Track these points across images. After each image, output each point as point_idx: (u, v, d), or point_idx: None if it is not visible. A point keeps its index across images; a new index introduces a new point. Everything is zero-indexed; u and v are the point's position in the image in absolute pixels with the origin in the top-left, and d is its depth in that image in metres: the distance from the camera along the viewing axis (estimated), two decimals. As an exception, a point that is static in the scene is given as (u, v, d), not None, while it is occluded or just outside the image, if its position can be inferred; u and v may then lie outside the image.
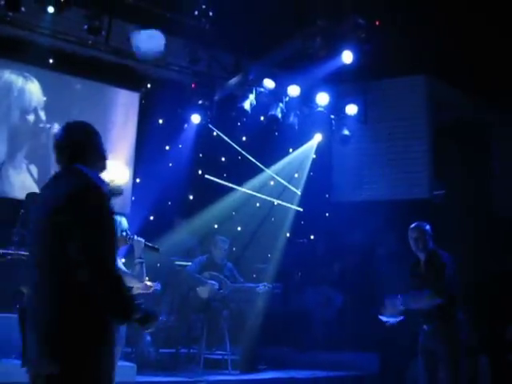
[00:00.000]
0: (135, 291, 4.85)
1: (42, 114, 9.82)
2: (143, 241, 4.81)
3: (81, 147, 3.12)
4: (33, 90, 9.74)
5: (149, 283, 4.97)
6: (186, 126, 10.47)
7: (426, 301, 5.31)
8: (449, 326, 5.30)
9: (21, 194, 8.85)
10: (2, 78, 9.48)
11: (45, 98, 9.81)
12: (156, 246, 5.03)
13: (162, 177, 9.81)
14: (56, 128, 9.80)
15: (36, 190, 9.15)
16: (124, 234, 4.81)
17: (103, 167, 3.22)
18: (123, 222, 4.87)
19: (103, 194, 3.01)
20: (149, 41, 7.98)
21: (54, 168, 9.33)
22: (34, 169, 9.68)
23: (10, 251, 7.69)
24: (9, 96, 9.55)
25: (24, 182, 9.47)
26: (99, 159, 3.20)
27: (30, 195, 8.57)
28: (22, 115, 9.65)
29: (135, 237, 4.80)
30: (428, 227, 5.68)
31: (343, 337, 9.76)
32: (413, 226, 5.70)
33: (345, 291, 10.62)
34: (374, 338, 9.60)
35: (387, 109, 10.87)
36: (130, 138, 10.53)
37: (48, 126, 9.82)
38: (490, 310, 9.73)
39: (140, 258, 4.73)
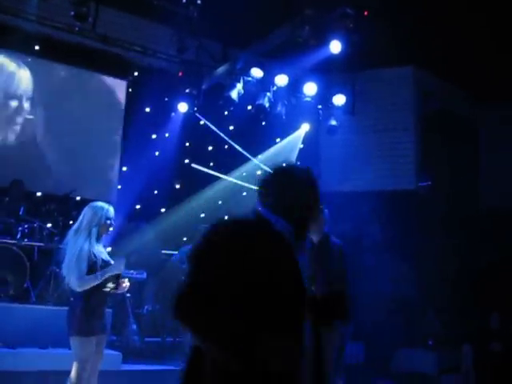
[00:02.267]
0: (110, 290, 4.86)
1: (26, 105, 9.71)
2: (121, 271, 4.78)
3: (286, 197, 2.54)
4: (23, 77, 9.65)
5: (124, 284, 4.93)
6: (173, 114, 10.42)
7: None
8: None
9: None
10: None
11: (32, 88, 9.71)
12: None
13: (149, 165, 9.77)
14: (39, 118, 9.72)
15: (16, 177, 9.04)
16: (108, 222, 4.81)
17: (304, 227, 2.57)
18: (111, 210, 4.87)
19: (264, 256, 2.30)
20: None
21: (32, 158, 9.17)
22: (9, 156, 9.55)
23: (-6, 239, 7.65)
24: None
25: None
26: (303, 219, 2.55)
27: (15, 183, 8.52)
28: (5, 100, 9.54)
29: (122, 260, 4.81)
30: (326, 211, 5.47)
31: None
32: None
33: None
34: (359, 328, 9.66)
35: (375, 100, 10.90)
36: (117, 126, 10.48)
37: (30, 117, 9.71)
38: (475, 300, 9.83)
39: (102, 275, 4.65)
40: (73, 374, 4.58)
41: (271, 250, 2.34)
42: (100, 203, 4.90)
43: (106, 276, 4.68)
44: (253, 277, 2.23)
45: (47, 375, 6.05)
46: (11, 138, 9.62)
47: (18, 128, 9.65)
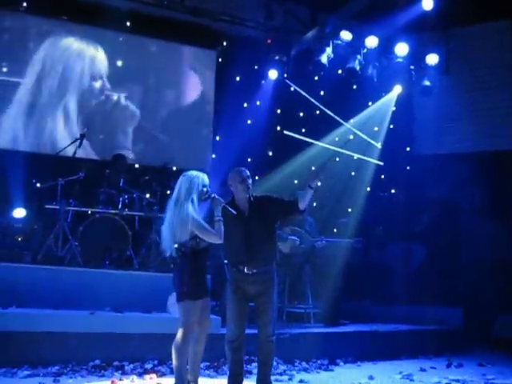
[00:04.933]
0: None
1: (107, 83, 10.08)
2: (222, 201, 4.92)
3: None
4: (101, 57, 10.02)
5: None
6: (263, 82, 10.47)
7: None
8: (272, 269, 5.29)
9: (94, 156, 9.41)
10: (74, 44, 9.83)
11: (113, 65, 10.09)
12: (232, 210, 5.13)
13: (241, 134, 9.89)
14: (133, 93, 10.03)
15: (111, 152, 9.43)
16: (205, 189, 4.91)
17: None
18: (205, 178, 4.97)
19: None
20: None
21: (117, 135, 9.69)
22: (100, 133, 10.02)
23: (98, 210, 8.01)
24: (81, 62, 9.88)
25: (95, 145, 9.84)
26: None
27: (116, 156, 8.90)
28: (91, 81, 9.95)
29: (216, 196, 4.90)
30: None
31: (426, 291, 9.68)
32: (236, 170, 5.30)
33: (428, 245, 10.48)
34: (457, 292, 9.48)
35: (470, 57, 10.46)
36: (209, 96, 10.65)
37: (114, 93, 10.08)
38: None
39: (218, 216, 4.83)
40: (179, 337, 4.73)
41: None
42: (194, 172, 5.00)
43: (219, 210, 4.91)
44: None
45: (151, 337, 6.33)
46: (106, 115, 10.04)
47: (110, 105, 10.07)
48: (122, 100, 10.09)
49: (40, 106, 9.52)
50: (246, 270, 5.13)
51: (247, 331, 5.08)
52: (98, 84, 9.95)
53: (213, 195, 4.92)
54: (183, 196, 4.81)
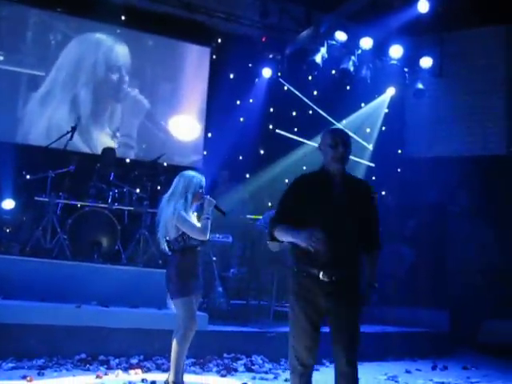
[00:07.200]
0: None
1: (126, 76, 10.08)
2: (214, 202, 4.93)
3: None
4: (120, 50, 10.03)
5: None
6: (256, 80, 10.47)
7: None
8: (356, 274, 3.91)
9: (98, 150, 9.21)
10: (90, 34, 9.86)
11: (131, 61, 10.08)
12: (223, 210, 5.13)
13: (234, 131, 9.87)
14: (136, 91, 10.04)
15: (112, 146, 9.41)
16: (201, 190, 4.92)
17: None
18: (202, 180, 4.98)
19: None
20: None
21: (131, 128, 9.59)
22: (112, 127, 10.01)
23: (87, 203, 7.97)
24: (96, 52, 9.87)
25: (103, 139, 9.81)
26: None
27: (106, 150, 8.85)
28: (106, 72, 9.94)
29: (208, 197, 4.92)
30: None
31: (414, 293, 9.71)
32: (329, 130, 3.96)
33: (417, 248, 10.50)
34: (445, 295, 9.51)
35: (464, 61, 10.50)
36: (202, 93, 10.62)
37: (130, 89, 10.07)
38: None
39: (208, 215, 4.84)
40: (180, 333, 4.75)
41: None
42: (192, 172, 5.02)
43: (210, 210, 4.89)
44: None
45: (137, 332, 6.32)
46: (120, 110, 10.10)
47: (123, 98, 10.11)
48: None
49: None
50: (321, 275, 3.71)
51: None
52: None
53: (206, 196, 4.94)
54: (178, 193, 4.85)
